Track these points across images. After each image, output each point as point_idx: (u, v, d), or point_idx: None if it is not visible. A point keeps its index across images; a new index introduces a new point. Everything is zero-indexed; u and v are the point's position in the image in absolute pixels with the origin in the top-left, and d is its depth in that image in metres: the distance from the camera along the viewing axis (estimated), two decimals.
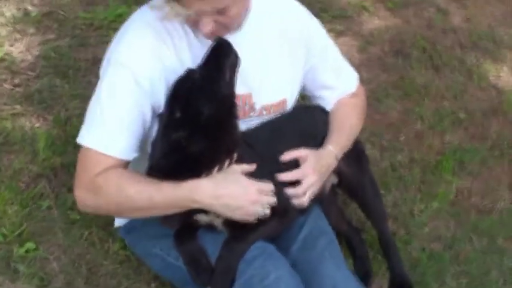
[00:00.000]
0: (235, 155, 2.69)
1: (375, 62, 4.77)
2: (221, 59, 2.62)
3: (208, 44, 2.70)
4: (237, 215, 2.66)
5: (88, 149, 2.71)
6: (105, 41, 4.40)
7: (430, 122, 4.34)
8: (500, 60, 4.96)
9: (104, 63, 2.81)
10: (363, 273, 3.33)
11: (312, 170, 2.88)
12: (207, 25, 2.61)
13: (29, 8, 4.54)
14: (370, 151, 3.94)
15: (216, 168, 2.64)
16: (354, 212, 3.64)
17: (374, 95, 4.35)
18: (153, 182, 2.63)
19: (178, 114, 2.57)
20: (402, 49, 4.89)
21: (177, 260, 2.82)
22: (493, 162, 4.15)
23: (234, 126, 2.71)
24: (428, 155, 4.10)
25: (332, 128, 3.12)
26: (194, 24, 2.66)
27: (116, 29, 4.36)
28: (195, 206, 2.62)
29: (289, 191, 2.83)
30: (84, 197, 2.75)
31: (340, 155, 3.05)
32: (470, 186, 3.98)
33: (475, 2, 5.50)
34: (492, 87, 4.73)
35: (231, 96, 2.68)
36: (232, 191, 2.62)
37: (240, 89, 2.79)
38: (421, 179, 3.95)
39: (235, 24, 2.74)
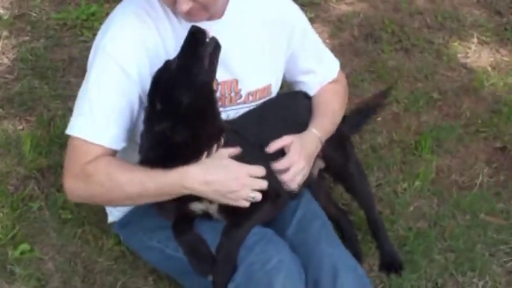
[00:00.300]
0: (222, 140, 2.72)
1: (346, 47, 4.84)
2: (196, 48, 2.63)
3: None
4: (229, 200, 2.68)
5: (77, 139, 2.73)
6: (79, 41, 4.44)
7: (405, 103, 4.41)
8: (466, 40, 5.04)
9: (91, 53, 2.84)
10: (354, 255, 3.35)
11: (298, 156, 2.92)
12: (185, 3, 2.62)
13: (0, 11, 4.53)
14: None
15: (204, 154, 2.67)
16: (340, 195, 3.71)
17: (348, 79, 4.32)
18: (143, 170, 2.66)
19: (159, 106, 2.60)
20: (372, 33, 4.95)
21: (177, 251, 2.84)
22: (469, 139, 4.22)
23: (216, 112, 2.74)
24: (407, 135, 4.17)
25: (315, 112, 3.17)
26: (172, 3, 2.66)
27: (89, 28, 4.47)
28: (186, 192, 2.65)
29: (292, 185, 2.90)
30: (74, 186, 2.75)
31: (324, 138, 3.10)
32: (449, 163, 4.05)
33: None
34: (461, 67, 4.81)
35: (210, 83, 2.70)
36: (222, 177, 2.64)
37: (225, 75, 2.85)
38: (401, 160, 4.01)
39: (213, 5, 2.75)
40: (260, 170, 2.72)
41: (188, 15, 2.70)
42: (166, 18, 2.80)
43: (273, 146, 2.91)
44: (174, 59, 2.66)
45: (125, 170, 2.68)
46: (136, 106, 2.77)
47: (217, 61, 2.68)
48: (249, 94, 3.01)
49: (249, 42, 2.97)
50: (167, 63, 2.67)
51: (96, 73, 2.74)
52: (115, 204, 3.00)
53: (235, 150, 2.73)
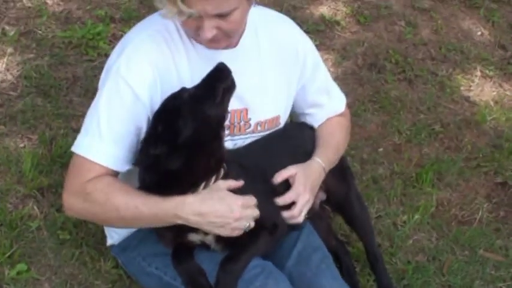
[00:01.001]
0: (221, 172, 2.72)
1: (350, 76, 4.85)
2: (215, 82, 2.64)
3: (207, 58, 2.75)
4: (224, 231, 2.68)
5: (81, 157, 2.74)
6: (84, 60, 4.43)
7: (407, 134, 4.42)
8: (469, 73, 5.06)
9: (104, 72, 2.85)
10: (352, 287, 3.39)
11: (303, 188, 2.91)
12: (209, 31, 2.61)
13: (6, 27, 4.53)
14: (351, 164, 3.99)
15: (202, 186, 2.67)
16: (339, 226, 3.70)
17: (351, 109, 4.36)
18: (140, 194, 2.67)
19: (160, 129, 2.60)
20: (375, 63, 4.96)
21: (175, 279, 2.84)
22: (470, 173, 4.23)
23: (218, 147, 2.72)
24: (408, 167, 4.18)
25: (319, 143, 3.17)
26: (196, 30, 2.65)
27: (94, 48, 4.47)
28: (180, 222, 2.64)
29: (285, 214, 2.87)
30: (72, 201, 2.78)
31: (327, 168, 3.09)
32: (449, 197, 4.06)
33: (442, 15, 5.60)
34: (464, 100, 4.83)
35: (219, 118, 2.70)
36: (216, 209, 2.63)
37: (235, 104, 2.84)
38: (402, 192, 4.02)
39: (236, 34, 2.76)
40: (252, 200, 2.71)
41: (211, 42, 2.70)
42: (182, 44, 2.80)
43: (278, 177, 2.90)
44: (191, 88, 2.67)
45: (122, 192, 2.69)
46: (144, 129, 2.76)
47: (229, 98, 2.69)
48: (257, 124, 3.00)
49: (263, 72, 2.97)
50: (182, 90, 2.67)
51: (107, 94, 2.74)
52: (110, 224, 3.00)
53: (236, 184, 2.72)
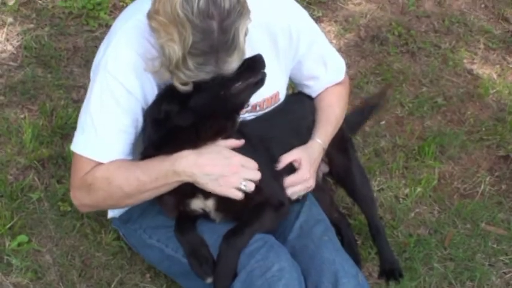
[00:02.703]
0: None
1: (352, 48, 4.81)
2: (244, 71, 2.62)
3: None
4: (221, 188, 2.65)
5: (80, 155, 2.76)
6: (84, 30, 4.40)
7: (409, 107, 4.39)
8: (473, 46, 5.01)
9: (93, 66, 2.83)
10: (353, 260, 3.37)
11: (308, 174, 2.94)
12: None
13: None
14: (353, 137, 3.96)
15: (201, 145, 2.67)
16: (341, 198, 3.69)
17: (353, 81, 4.39)
18: (138, 165, 2.70)
19: (176, 91, 2.59)
20: (378, 35, 4.91)
21: (176, 251, 2.85)
22: (472, 146, 4.21)
23: (228, 125, 2.72)
24: (410, 140, 4.16)
25: (319, 119, 3.16)
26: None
27: (95, 18, 4.44)
28: (179, 179, 2.65)
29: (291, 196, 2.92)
30: (79, 196, 2.82)
31: (326, 145, 3.11)
32: (451, 170, 4.04)
33: None
34: (467, 72, 4.78)
35: (237, 104, 2.71)
36: (214, 160, 2.64)
37: None
38: (404, 165, 4.00)
39: None
40: (253, 163, 2.70)
41: None
42: None
43: (283, 161, 2.92)
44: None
45: (121, 170, 2.70)
46: (141, 120, 2.76)
47: (253, 92, 2.69)
48: (256, 104, 3.00)
49: (257, 51, 2.93)
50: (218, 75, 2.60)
51: (98, 90, 2.72)
52: (121, 206, 2.98)
53: (237, 142, 2.72)
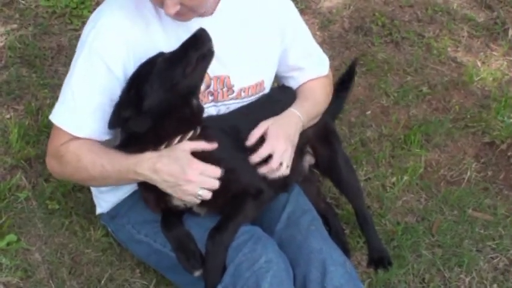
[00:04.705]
0: (189, 134, 2.72)
1: (336, 40, 4.83)
2: (189, 50, 2.64)
3: (183, 24, 2.74)
4: (175, 193, 2.69)
5: (59, 127, 2.80)
6: (68, 29, 4.40)
7: (394, 96, 4.41)
8: (456, 34, 5.04)
9: (79, 43, 2.86)
10: (341, 249, 3.39)
11: (276, 140, 2.87)
12: (172, 7, 2.62)
13: None
14: (339, 127, 4.01)
15: (164, 145, 2.69)
16: (328, 189, 3.70)
17: (338, 72, 4.37)
18: (107, 153, 2.75)
19: (131, 93, 2.65)
20: (362, 26, 4.94)
21: (164, 246, 2.86)
22: (458, 134, 4.23)
23: (188, 114, 2.72)
24: (396, 129, 4.18)
25: (298, 97, 3.17)
26: (160, 4, 2.66)
27: (78, 17, 4.44)
28: (140, 178, 2.70)
29: (264, 169, 2.84)
30: (52, 164, 2.88)
31: (306, 120, 3.06)
32: (437, 158, 4.06)
33: None
34: (451, 61, 4.81)
35: (190, 86, 2.70)
36: (170, 168, 2.64)
37: (218, 70, 2.85)
38: (390, 154, 4.02)
39: (201, 7, 2.74)
40: (215, 171, 2.67)
41: (177, 16, 2.69)
42: (156, 12, 2.79)
43: (252, 138, 2.87)
44: (167, 53, 2.67)
45: (91, 152, 2.76)
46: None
47: (205, 67, 2.69)
48: (241, 90, 3.00)
49: (242, 39, 2.97)
50: (158, 55, 2.68)
51: (81, 66, 2.77)
52: (85, 183, 3.10)
53: (207, 145, 2.71)
